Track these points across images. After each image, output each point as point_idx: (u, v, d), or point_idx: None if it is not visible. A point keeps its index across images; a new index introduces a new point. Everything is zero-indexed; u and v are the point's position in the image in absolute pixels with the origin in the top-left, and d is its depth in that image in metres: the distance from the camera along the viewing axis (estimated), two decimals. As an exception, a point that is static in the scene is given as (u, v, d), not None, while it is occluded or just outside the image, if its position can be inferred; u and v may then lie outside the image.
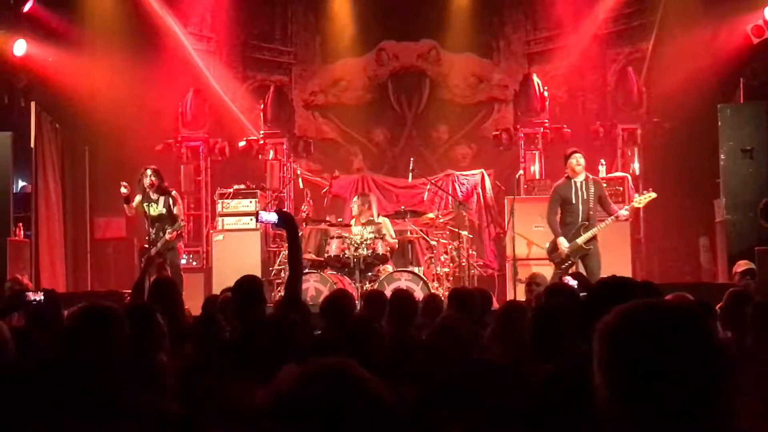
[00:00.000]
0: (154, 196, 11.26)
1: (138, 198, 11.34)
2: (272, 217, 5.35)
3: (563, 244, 10.38)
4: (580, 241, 10.36)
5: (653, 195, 10.80)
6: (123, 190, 11.25)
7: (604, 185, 11.21)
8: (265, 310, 5.42)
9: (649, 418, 1.81)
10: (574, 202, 10.43)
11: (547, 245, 10.78)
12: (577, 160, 10.53)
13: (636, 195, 11.08)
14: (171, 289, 6.40)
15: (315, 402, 1.75)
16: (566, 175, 10.71)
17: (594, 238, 10.42)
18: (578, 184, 10.48)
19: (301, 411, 1.76)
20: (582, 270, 10.95)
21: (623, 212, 10.66)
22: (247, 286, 5.40)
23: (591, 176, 10.71)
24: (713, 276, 12.65)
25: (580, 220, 10.43)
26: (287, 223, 5.34)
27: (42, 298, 4.81)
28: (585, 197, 10.43)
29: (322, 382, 1.79)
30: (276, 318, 4.97)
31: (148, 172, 11.31)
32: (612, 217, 10.52)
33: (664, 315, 1.90)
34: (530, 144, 14.68)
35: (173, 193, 11.59)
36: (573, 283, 6.01)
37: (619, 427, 1.86)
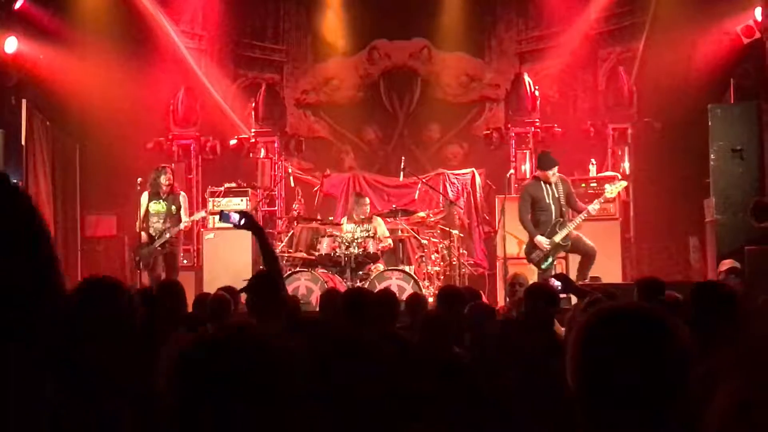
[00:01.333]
0: (164, 195, 11.34)
1: (145, 198, 11.38)
2: (234, 217, 5.33)
3: (544, 242, 10.46)
4: (557, 238, 10.49)
5: (624, 183, 11.14)
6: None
7: (569, 181, 11.32)
8: (282, 311, 5.36)
9: (618, 416, 1.84)
10: (546, 201, 10.55)
11: (525, 246, 10.87)
12: (554, 172, 10.65)
13: (607, 185, 11.20)
14: (178, 291, 6.43)
15: (216, 362, 1.71)
16: (535, 175, 10.85)
17: (569, 234, 10.51)
18: (547, 184, 10.59)
19: (202, 370, 1.71)
20: (563, 268, 11.08)
21: (594, 207, 10.67)
22: (264, 283, 5.34)
23: (559, 174, 10.79)
24: (703, 275, 12.68)
25: (553, 218, 10.54)
26: (250, 224, 5.31)
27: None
28: (556, 195, 10.55)
29: (227, 344, 1.74)
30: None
31: (168, 170, 11.45)
32: (583, 213, 10.59)
33: (632, 319, 1.93)
34: (521, 143, 14.72)
35: (182, 192, 11.77)
36: (556, 284, 6.02)
37: (591, 424, 1.88)
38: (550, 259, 10.53)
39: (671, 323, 1.93)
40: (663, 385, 1.84)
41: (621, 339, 1.88)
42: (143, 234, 11.53)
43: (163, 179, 11.31)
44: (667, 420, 1.82)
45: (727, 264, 10.05)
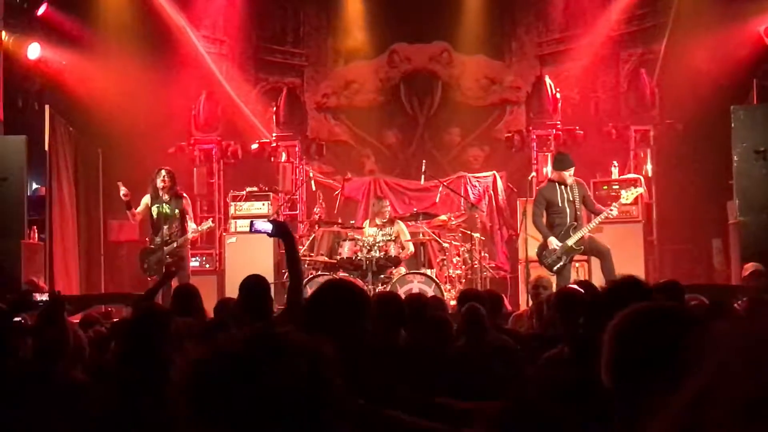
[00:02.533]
0: (165, 198, 11.32)
1: (146, 198, 11.38)
2: (266, 226, 5.34)
3: (555, 243, 10.43)
4: (570, 242, 10.43)
5: (641, 190, 11.14)
6: (122, 191, 11.24)
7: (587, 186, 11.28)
8: (272, 312, 5.39)
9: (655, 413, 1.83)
10: (559, 204, 10.51)
11: (537, 248, 10.83)
12: (570, 173, 10.59)
13: (623, 191, 11.14)
14: (193, 294, 6.47)
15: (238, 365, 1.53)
16: (550, 178, 10.82)
17: (583, 237, 10.46)
18: (562, 187, 10.54)
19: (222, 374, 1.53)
20: (585, 271, 11.03)
21: (612, 211, 10.62)
22: (254, 286, 5.36)
23: (574, 178, 10.75)
24: (726, 278, 12.61)
25: (568, 221, 10.50)
26: (282, 232, 5.33)
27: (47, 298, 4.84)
28: (570, 198, 10.51)
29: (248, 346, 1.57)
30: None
31: (162, 173, 11.38)
32: (601, 216, 10.53)
33: (670, 317, 1.92)
34: (542, 146, 14.69)
35: (184, 195, 11.70)
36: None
37: (626, 421, 1.88)
38: (561, 262, 10.49)
39: (704, 320, 1.93)
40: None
41: (656, 337, 1.88)
42: (149, 238, 11.59)
43: (158, 182, 11.32)
44: None
45: (750, 267, 9.98)
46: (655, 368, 1.85)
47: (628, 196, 10.91)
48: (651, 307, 2.01)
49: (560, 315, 5.47)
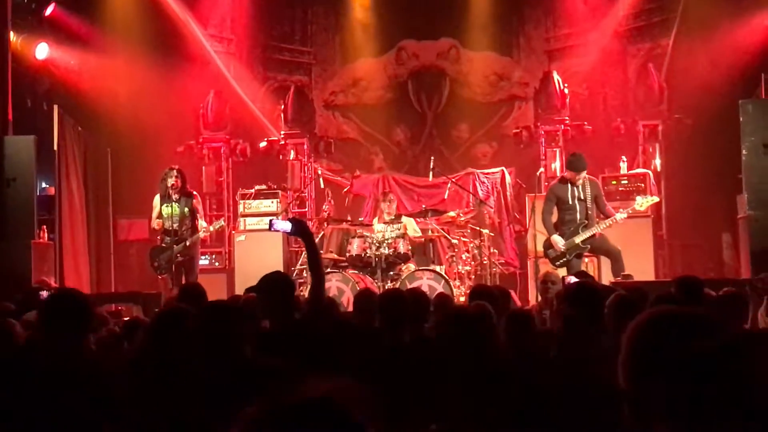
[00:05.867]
0: (175, 197, 11.34)
1: (157, 199, 11.43)
2: (286, 225, 5.33)
3: (558, 241, 10.50)
4: (577, 239, 10.48)
5: (656, 199, 11.29)
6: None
7: (600, 185, 11.25)
8: (294, 311, 5.35)
9: (674, 420, 1.81)
10: (570, 202, 10.55)
11: (543, 243, 10.89)
12: (581, 177, 10.63)
13: (638, 197, 11.16)
14: (199, 293, 6.47)
15: None
16: (562, 175, 10.84)
17: (592, 236, 10.48)
18: (573, 185, 10.57)
19: None
20: (594, 267, 11.04)
21: (621, 216, 10.62)
22: (276, 283, 5.30)
23: (588, 176, 10.74)
24: (736, 272, 12.57)
25: (578, 219, 10.54)
26: (301, 231, 5.33)
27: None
28: (582, 197, 10.54)
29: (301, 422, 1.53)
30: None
31: (173, 172, 11.42)
32: (609, 220, 10.56)
33: (686, 321, 1.90)
34: (551, 141, 14.66)
35: (195, 194, 11.74)
36: (575, 281, 6.05)
37: (645, 428, 1.85)
38: (564, 258, 10.54)
39: (722, 324, 1.90)
40: (720, 384, 1.80)
41: (677, 342, 1.85)
42: (159, 237, 11.67)
43: (169, 182, 11.34)
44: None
45: None
46: (675, 372, 1.82)
47: (642, 203, 10.93)
48: (670, 310, 1.98)
49: (575, 308, 5.41)
